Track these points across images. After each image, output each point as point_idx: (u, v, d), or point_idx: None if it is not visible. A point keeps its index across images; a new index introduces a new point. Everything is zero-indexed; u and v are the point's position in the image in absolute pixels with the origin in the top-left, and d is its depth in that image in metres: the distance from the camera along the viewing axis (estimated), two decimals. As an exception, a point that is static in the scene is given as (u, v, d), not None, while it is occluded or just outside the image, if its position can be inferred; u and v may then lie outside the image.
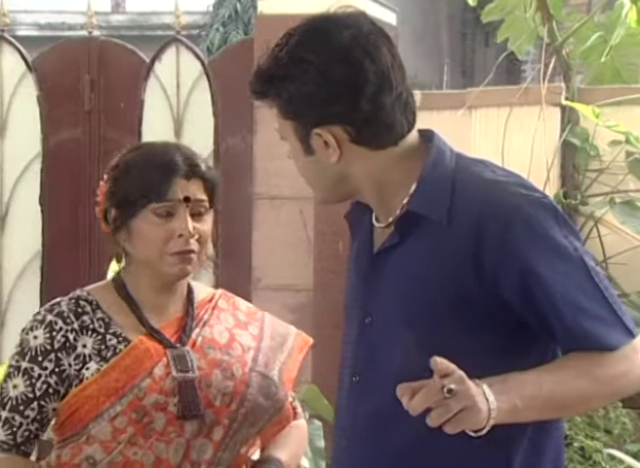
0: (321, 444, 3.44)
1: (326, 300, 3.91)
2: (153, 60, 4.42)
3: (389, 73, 1.73)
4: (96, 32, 4.60)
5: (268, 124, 4.27)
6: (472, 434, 1.59)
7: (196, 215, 2.05)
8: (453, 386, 1.53)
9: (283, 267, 4.12)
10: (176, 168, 2.03)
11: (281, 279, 4.10)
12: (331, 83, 1.71)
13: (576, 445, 3.62)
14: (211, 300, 2.16)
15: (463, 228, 1.70)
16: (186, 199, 2.03)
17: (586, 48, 4.18)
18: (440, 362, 1.55)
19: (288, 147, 1.83)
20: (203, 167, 2.08)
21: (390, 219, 1.79)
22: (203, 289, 2.20)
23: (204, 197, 2.06)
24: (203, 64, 4.37)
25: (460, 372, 1.56)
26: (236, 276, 4.06)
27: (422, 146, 1.79)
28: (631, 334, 1.69)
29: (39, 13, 12.29)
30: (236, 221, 4.16)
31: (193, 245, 2.03)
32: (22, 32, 10.92)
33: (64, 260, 4.50)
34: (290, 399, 2.18)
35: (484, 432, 1.59)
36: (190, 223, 2.03)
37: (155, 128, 4.39)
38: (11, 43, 4.56)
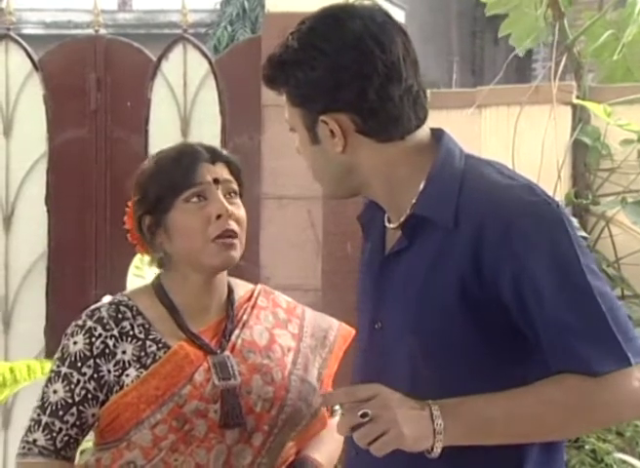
0: (330, 446, 3.41)
1: (334, 301, 3.88)
2: (160, 59, 4.39)
3: (400, 65, 1.70)
4: (102, 31, 4.58)
5: (276, 123, 4.27)
6: (427, 455, 1.59)
7: (228, 198, 2.03)
8: (367, 410, 1.55)
9: (291, 267, 4.09)
10: (198, 154, 2.03)
11: (289, 279, 4.07)
12: (339, 69, 1.68)
13: (587, 447, 3.59)
14: (250, 299, 2.13)
15: (467, 230, 1.66)
16: (216, 181, 2.02)
17: (598, 46, 4.14)
18: (336, 394, 1.61)
19: (297, 141, 1.80)
20: (225, 152, 2.09)
21: (402, 220, 1.76)
22: (242, 285, 2.17)
23: (232, 178, 2.05)
24: (210, 63, 4.35)
25: (385, 397, 1.57)
26: (244, 275, 4.03)
27: (432, 145, 1.76)
28: (627, 361, 1.59)
29: (45, 11, 12.28)
30: (244, 221, 4.13)
31: (233, 226, 2.01)
32: (28, 31, 10.92)
33: (71, 261, 4.48)
34: None
35: (435, 454, 1.58)
36: (226, 204, 2.01)
37: (162, 127, 4.37)
38: (17, 42, 4.54)
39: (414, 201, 1.73)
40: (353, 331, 2.17)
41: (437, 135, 1.78)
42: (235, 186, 2.06)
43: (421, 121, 1.75)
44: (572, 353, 1.60)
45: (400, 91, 1.70)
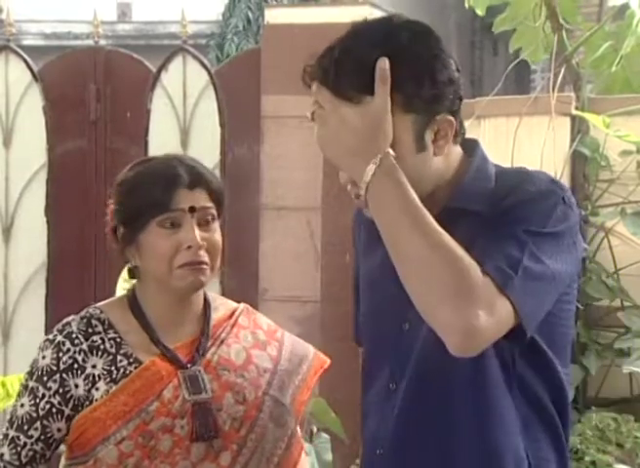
0: (329, 457, 3.41)
1: (333, 312, 3.88)
2: (160, 70, 4.41)
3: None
4: (102, 42, 4.60)
5: (275, 134, 4.28)
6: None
7: (204, 225, 2.01)
8: None
9: (290, 278, 4.09)
10: (177, 179, 1.99)
11: (288, 290, 4.07)
12: (457, 73, 1.73)
13: (587, 458, 3.58)
14: (231, 317, 2.11)
15: (496, 211, 1.70)
16: (191, 209, 1.99)
17: (597, 57, 4.14)
18: None
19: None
20: (207, 175, 2.04)
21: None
22: (224, 304, 2.15)
23: (210, 204, 2.02)
24: (210, 74, 4.36)
25: None
26: (243, 287, 4.03)
27: (466, 152, 1.81)
28: (503, 288, 1.60)
29: (45, 22, 12.29)
30: (243, 232, 4.13)
31: (203, 256, 1.99)
32: (28, 42, 10.94)
33: (70, 272, 4.49)
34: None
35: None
36: (198, 234, 1.98)
37: (161, 138, 4.38)
38: (16, 53, 4.56)
39: (446, 199, 1.75)
40: (327, 361, 2.17)
41: (468, 144, 1.82)
42: (213, 211, 2.02)
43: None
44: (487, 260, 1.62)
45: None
